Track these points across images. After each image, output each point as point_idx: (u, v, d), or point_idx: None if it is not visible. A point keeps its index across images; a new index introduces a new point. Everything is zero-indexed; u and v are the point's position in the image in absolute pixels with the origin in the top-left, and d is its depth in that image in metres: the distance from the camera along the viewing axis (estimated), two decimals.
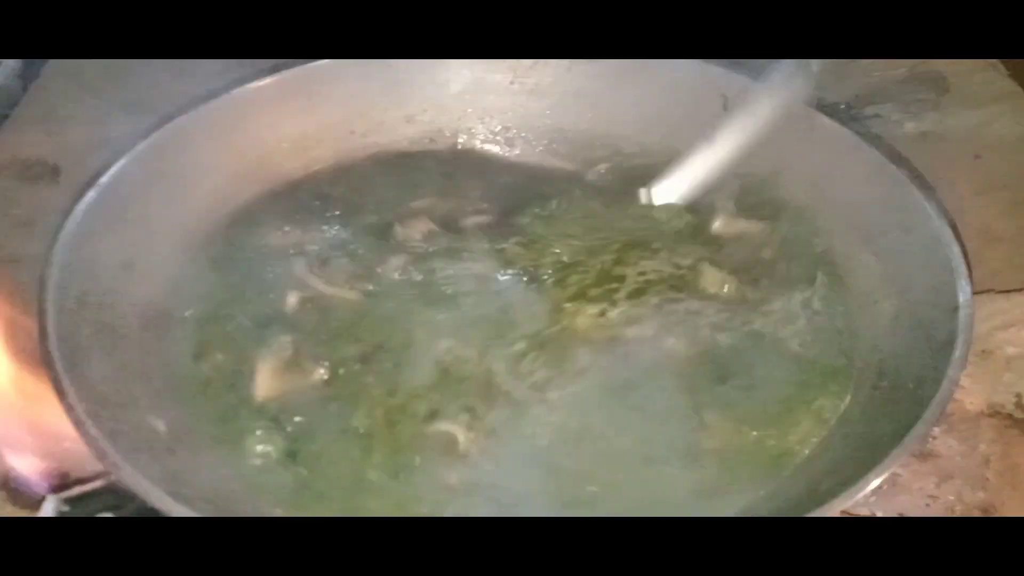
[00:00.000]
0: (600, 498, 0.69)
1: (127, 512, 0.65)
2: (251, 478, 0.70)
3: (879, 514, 0.67)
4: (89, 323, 0.76)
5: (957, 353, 0.69)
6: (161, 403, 0.73)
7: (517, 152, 1.03)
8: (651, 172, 0.94)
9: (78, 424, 0.65)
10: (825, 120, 0.93)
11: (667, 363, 0.78)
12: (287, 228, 0.91)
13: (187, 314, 0.82)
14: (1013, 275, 0.88)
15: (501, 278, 0.85)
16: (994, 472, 0.69)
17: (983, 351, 0.79)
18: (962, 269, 0.75)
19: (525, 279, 0.85)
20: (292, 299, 0.84)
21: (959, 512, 0.67)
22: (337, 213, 0.93)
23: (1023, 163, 1.03)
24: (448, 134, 1.04)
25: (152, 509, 0.61)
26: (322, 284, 0.85)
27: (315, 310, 0.83)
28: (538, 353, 0.78)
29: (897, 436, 0.64)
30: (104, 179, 0.86)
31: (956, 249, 0.77)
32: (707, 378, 0.76)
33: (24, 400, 0.70)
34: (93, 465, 0.67)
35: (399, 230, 0.90)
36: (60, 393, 0.67)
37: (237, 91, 0.97)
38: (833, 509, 0.60)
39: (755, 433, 0.72)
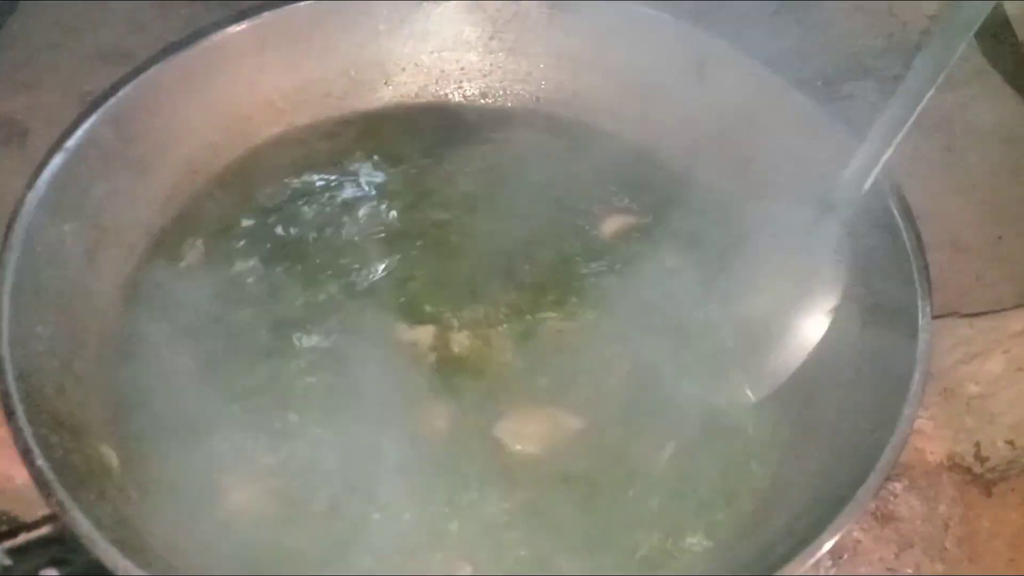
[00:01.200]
0: None
1: (75, 569, 0.53)
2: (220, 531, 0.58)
3: None
4: (47, 324, 0.62)
5: (913, 389, 0.58)
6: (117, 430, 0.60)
7: (496, 117, 0.86)
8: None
9: (24, 452, 0.52)
10: (802, 101, 0.76)
11: None
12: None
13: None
14: (981, 294, 0.76)
15: None
16: (953, 539, 0.60)
17: (944, 389, 0.68)
18: (924, 289, 0.63)
19: None
20: None
21: None
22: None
23: (996, 157, 0.89)
24: (427, 96, 0.87)
25: (100, 564, 0.50)
26: None
27: None
28: None
29: (851, 490, 0.53)
30: (69, 145, 0.69)
31: (919, 264, 0.64)
32: None
33: None
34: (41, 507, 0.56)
35: None
36: (9, 414, 0.54)
37: (215, 37, 0.79)
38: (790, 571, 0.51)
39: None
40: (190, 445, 0.61)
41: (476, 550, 0.58)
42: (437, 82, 0.86)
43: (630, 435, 0.64)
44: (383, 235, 0.75)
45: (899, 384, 0.58)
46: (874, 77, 0.98)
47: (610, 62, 0.83)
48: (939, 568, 0.59)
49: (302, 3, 0.81)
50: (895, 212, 0.67)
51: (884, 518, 0.61)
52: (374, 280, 0.72)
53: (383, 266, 0.73)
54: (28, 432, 0.52)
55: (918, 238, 0.66)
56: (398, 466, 0.61)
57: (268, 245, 0.74)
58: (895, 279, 0.64)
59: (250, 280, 0.72)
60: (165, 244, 0.74)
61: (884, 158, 0.64)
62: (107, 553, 0.49)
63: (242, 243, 0.74)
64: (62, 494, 0.49)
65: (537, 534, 0.59)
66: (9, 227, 0.63)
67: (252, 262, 0.73)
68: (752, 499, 0.60)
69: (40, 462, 0.50)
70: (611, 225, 0.77)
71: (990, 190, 0.86)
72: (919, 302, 0.62)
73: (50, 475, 0.50)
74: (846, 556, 0.59)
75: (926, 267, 0.65)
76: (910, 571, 0.59)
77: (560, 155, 0.82)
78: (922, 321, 0.61)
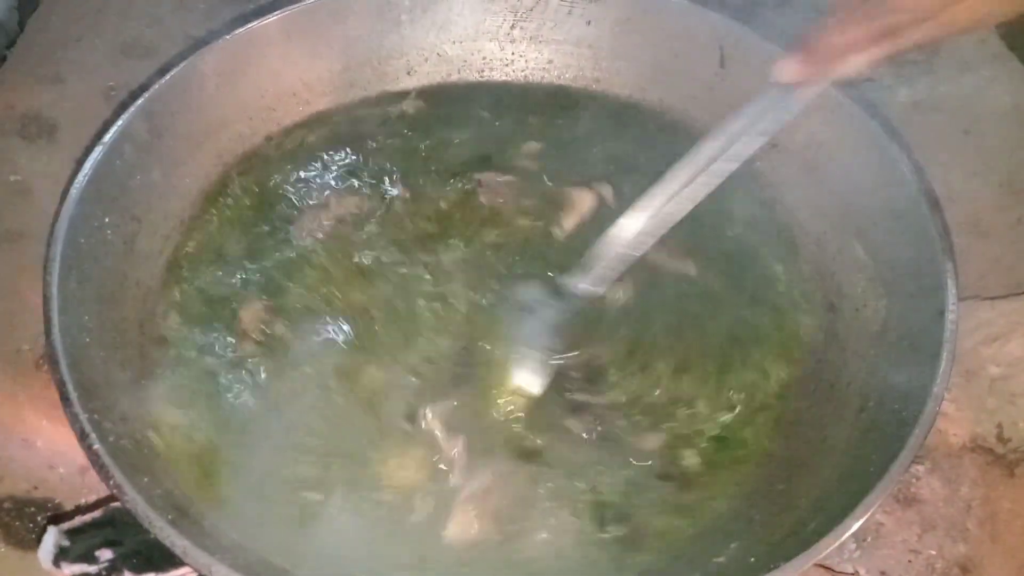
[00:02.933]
0: None
1: (126, 549, 0.55)
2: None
3: (862, 572, 0.58)
4: (92, 314, 0.63)
5: (942, 367, 0.58)
6: (160, 416, 0.62)
7: (518, 108, 0.86)
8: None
9: (82, 437, 0.53)
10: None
11: None
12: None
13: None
14: (1000, 278, 0.76)
15: None
16: (975, 521, 0.61)
17: (967, 371, 0.69)
18: (950, 269, 0.63)
19: None
20: None
21: (939, 569, 0.59)
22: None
23: (1014, 139, 0.89)
24: (449, 86, 0.87)
25: (155, 543, 0.51)
26: None
27: None
28: None
29: (881, 468, 0.54)
30: (106, 140, 0.69)
31: (945, 246, 0.64)
32: None
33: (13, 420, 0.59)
34: (86, 493, 0.57)
35: None
36: (64, 400, 0.55)
37: (241, 31, 0.78)
38: (819, 551, 0.51)
39: None
40: (229, 429, 0.62)
41: None
42: (460, 71, 0.87)
43: None
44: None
45: (928, 363, 0.59)
46: (892, 62, 0.98)
47: (631, 49, 0.84)
48: (961, 549, 0.60)
49: None
50: (920, 195, 0.67)
51: (906, 501, 0.61)
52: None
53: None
54: (84, 418, 0.53)
55: (942, 220, 0.66)
56: None
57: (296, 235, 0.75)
58: (921, 261, 0.65)
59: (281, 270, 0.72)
60: (198, 234, 0.75)
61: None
62: (164, 532, 0.51)
63: (270, 230, 0.75)
64: (119, 476, 0.51)
65: None
66: (55, 220, 0.64)
67: (284, 250, 0.74)
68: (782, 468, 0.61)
69: (97, 446, 0.52)
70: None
71: (1008, 173, 0.86)
72: (947, 282, 0.62)
73: (107, 458, 0.51)
74: (869, 539, 0.60)
75: (951, 248, 0.65)
76: (933, 552, 0.59)
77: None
78: (950, 301, 0.61)
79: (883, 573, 0.59)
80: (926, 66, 0.97)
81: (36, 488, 0.64)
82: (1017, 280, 0.77)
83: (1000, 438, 0.64)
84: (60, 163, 0.81)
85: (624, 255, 0.62)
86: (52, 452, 0.67)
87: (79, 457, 0.66)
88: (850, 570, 0.58)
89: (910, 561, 0.59)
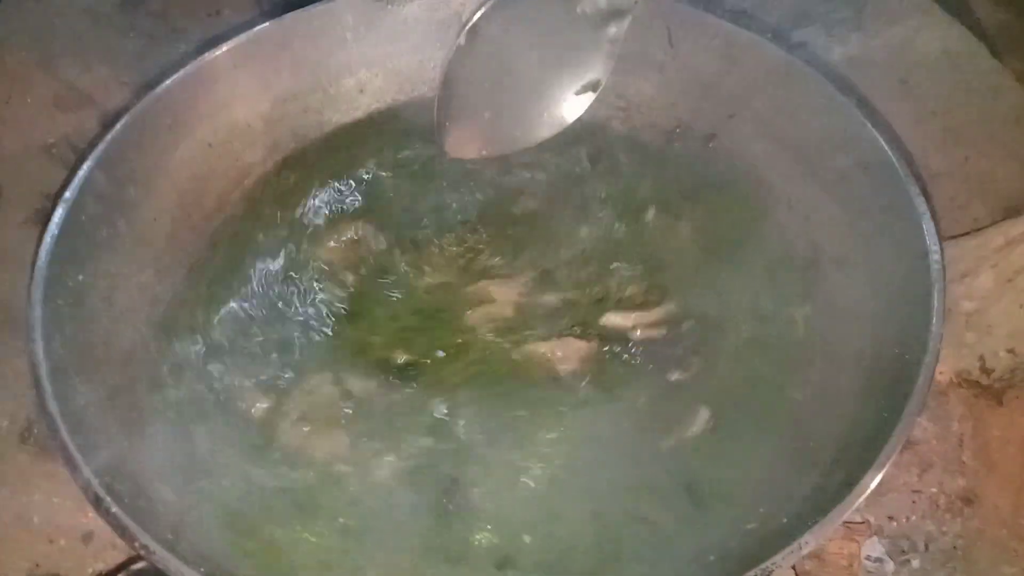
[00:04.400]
0: None
1: None
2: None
3: (871, 519, 0.60)
4: (83, 375, 0.62)
5: (936, 306, 0.60)
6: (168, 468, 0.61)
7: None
8: None
9: (97, 503, 0.52)
10: (776, 51, 0.77)
11: None
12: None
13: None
14: (958, 217, 0.79)
15: None
16: (969, 454, 0.63)
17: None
18: (926, 210, 0.64)
19: None
20: None
21: (943, 505, 0.61)
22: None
23: (948, 85, 0.92)
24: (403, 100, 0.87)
25: None
26: None
27: None
28: None
29: (895, 414, 0.55)
30: (67, 196, 0.68)
31: (917, 189, 0.66)
32: None
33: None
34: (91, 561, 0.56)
35: None
36: (71, 467, 0.54)
37: (188, 69, 0.77)
38: (849, 505, 0.51)
39: None
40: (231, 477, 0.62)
41: None
42: (413, 84, 0.87)
43: None
44: None
45: (920, 304, 0.61)
46: (821, 23, 1.00)
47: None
48: (961, 482, 0.62)
49: (267, 24, 0.80)
50: (886, 145, 0.68)
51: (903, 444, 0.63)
52: None
53: None
54: (95, 483, 0.52)
55: (911, 165, 0.68)
56: None
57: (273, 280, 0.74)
58: (896, 207, 0.66)
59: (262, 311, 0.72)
60: (170, 282, 0.74)
61: None
62: None
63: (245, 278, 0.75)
64: (146, 537, 0.50)
65: None
66: (30, 285, 0.63)
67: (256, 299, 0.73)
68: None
69: (115, 509, 0.51)
70: None
71: (949, 115, 0.89)
72: (924, 225, 0.64)
73: (127, 520, 0.50)
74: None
75: (925, 190, 0.67)
76: (934, 490, 0.62)
77: None
78: (931, 241, 0.63)
79: (891, 517, 0.61)
80: (854, 23, 1.00)
81: (38, 566, 0.63)
82: (973, 217, 0.80)
83: (983, 369, 0.67)
84: (12, 227, 0.80)
85: None
86: (50, 525, 0.65)
87: (79, 525, 0.66)
88: (859, 519, 0.60)
89: (914, 502, 0.61)
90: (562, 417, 0.64)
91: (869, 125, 0.70)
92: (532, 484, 0.61)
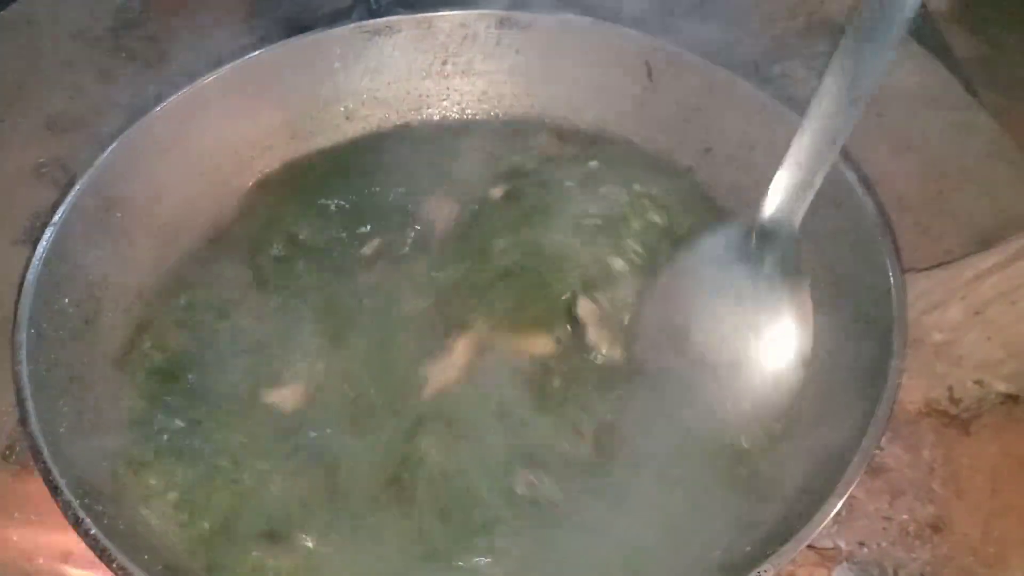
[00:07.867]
0: None
1: None
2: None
3: (842, 544, 0.61)
4: (66, 398, 0.63)
5: (896, 342, 0.61)
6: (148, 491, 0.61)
7: (460, 139, 0.88)
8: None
9: (77, 524, 0.53)
10: (748, 88, 0.79)
11: None
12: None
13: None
14: (930, 248, 0.81)
15: None
16: (939, 481, 0.64)
17: (914, 340, 0.72)
18: (890, 248, 0.66)
19: None
20: None
21: (913, 532, 0.62)
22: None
23: (925, 118, 0.93)
24: (389, 127, 0.89)
25: None
26: None
27: None
28: None
29: (854, 441, 0.56)
30: (56, 219, 0.69)
31: (883, 225, 0.67)
32: None
33: None
34: None
35: None
36: (53, 489, 0.54)
37: (182, 94, 0.79)
38: (810, 532, 0.53)
39: None
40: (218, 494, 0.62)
41: None
42: (398, 112, 0.88)
43: None
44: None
45: (882, 339, 0.62)
46: (800, 56, 1.02)
47: (562, 73, 0.86)
48: (931, 510, 0.63)
49: (259, 52, 0.82)
50: (854, 181, 0.70)
51: (874, 471, 0.65)
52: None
53: None
54: (76, 504, 0.53)
55: (876, 201, 0.69)
56: None
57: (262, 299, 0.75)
58: (861, 242, 0.68)
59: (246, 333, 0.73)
60: (157, 307, 0.74)
61: (811, 193, 0.62)
62: None
63: (234, 299, 0.75)
64: (122, 559, 0.50)
65: None
66: (16, 308, 0.64)
67: (247, 317, 0.74)
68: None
69: (94, 531, 0.51)
70: None
71: (924, 150, 0.91)
72: (887, 260, 0.65)
73: (106, 542, 0.51)
74: (844, 512, 0.62)
75: (888, 225, 0.69)
76: (905, 516, 0.63)
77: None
78: (893, 278, 0.64)
79: (861, 543, 0.62)
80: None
81: None
82: (945, 248, 0.81)
83: (952, 399, 0.68)
84: (1, 247, 0.81)
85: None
86: (31, 544, 0.66)
87: (59, 543, 0.66)
88: (830, 545, 0.61)
89: (884, 528, 0.62)
90: None
91: (841, 163, 0.70)
92: None
